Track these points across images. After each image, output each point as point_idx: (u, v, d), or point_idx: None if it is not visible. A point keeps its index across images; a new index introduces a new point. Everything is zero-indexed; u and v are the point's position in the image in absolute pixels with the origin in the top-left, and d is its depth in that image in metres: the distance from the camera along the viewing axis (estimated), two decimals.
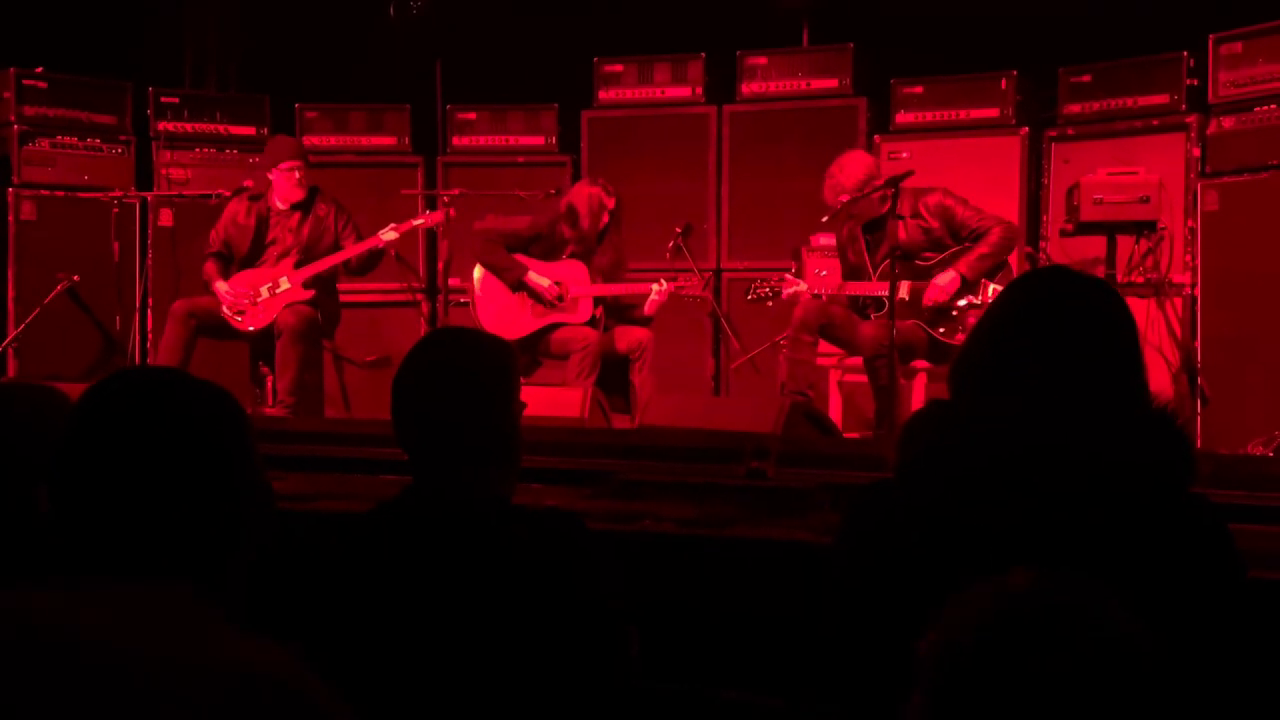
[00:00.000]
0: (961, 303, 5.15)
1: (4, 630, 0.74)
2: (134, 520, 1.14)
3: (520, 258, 5.78)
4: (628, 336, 5.69)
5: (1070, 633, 1.03)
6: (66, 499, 1.18)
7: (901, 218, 5.16)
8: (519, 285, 5.75)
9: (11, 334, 6.41)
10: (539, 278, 5.73)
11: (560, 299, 5.73)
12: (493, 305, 5.81)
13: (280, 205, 5.92)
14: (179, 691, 0.74)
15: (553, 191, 6.12)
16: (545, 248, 5.81)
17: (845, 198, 5.15)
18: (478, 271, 5.85)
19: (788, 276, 5.57)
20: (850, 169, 5.23)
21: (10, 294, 6.50)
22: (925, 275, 5.19)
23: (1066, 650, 1.02)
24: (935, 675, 1.05)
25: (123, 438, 1.21)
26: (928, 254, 5.22)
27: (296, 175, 5.85)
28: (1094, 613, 1.04)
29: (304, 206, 5.92)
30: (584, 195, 5.77)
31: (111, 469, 1.17)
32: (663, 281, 5.75)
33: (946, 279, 5.10)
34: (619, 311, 5.87)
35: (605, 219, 5.78)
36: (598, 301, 5.79)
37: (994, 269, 5.15)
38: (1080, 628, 1.03)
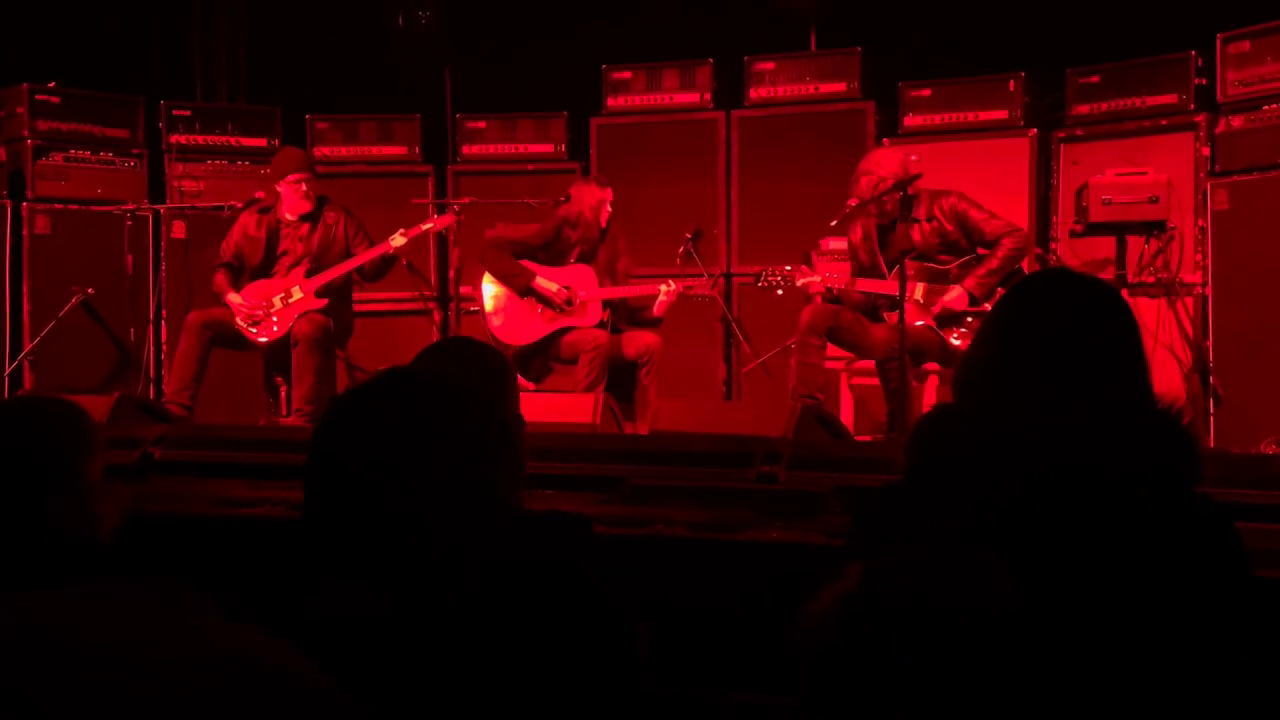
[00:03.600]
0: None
1: (8, 631, 0.78)
2: None
3: (527, 264, 5.81)
4: (636, 341, 5.71)
5: (917, 603, 1.03)
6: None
7: (917, 220, 5.17)
8: (527, 290, 5.77)
9: (27, 347, 6.46)
10: (547, 282, 5.76)
11: (570, 302, 5.75)
12: (502, 312, 5.84)
13: (289, 216, 5.96)
14: (181, 681, 0.78)
15: (562, 199, 6.16)
16: (552, 253, 5.84)
17: (890, 183, 5.11)
18: (486, 279, 5.88)
19: (802, 267, 5.57)
20: (885, 161, 5.25)
21: (25, 307, 6.55)
22: (941, 278, 5.19)
23: (911, 619, 1.02)
24: (801, 650, 1.05)
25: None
26: (943, 256, 5.22)
27: (303, 188, 5.89)
28: (950, 584, 1.04)
29: (313, 217, 5.95)
30: (584, 194, 5.83)
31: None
32: (670, 282, 5.78)
33: (954, 296, 5.11)
34: (629, 314, 5.89)
35: (607, 212, 5.83)
36: (606, 304, 5.81)
37: (1004, 282, 5.15)
38: (939, 595, 1.03)
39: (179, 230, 6.88)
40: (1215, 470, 1.66)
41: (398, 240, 5.86)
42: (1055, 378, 1.63)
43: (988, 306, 5.12)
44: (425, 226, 6.04)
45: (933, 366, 5.26)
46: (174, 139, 7.03)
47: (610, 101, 7.03)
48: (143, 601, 0.85)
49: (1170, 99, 5.91)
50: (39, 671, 0.74)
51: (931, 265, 5.21)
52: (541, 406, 4.43)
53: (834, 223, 5.36)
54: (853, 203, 5.22)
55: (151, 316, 6.74)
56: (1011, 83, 6.31)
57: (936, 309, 5.14)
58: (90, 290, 6.53)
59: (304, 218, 5.95)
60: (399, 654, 1.41)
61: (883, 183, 5.14)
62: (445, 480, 1.32)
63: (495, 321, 5.82)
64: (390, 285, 6.38)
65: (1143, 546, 1.53)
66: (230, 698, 0.78)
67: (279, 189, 5.96)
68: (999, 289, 5.13)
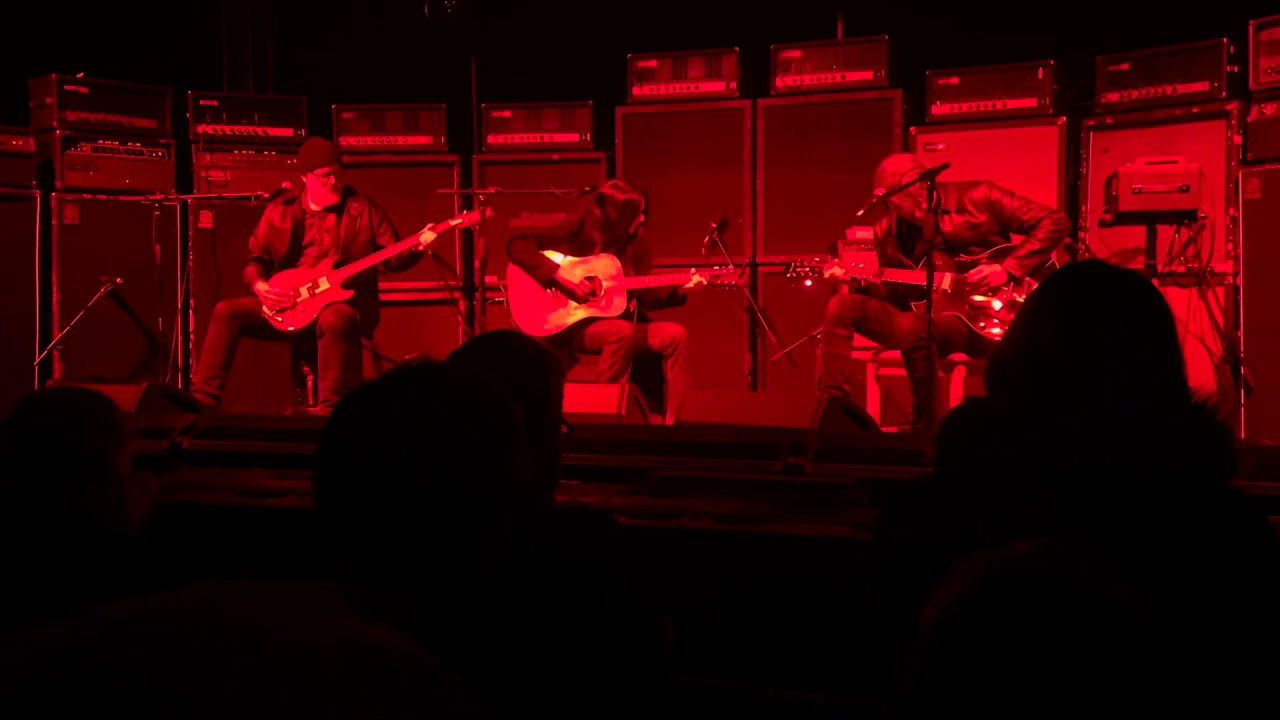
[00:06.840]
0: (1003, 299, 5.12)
1: (205, 617, 0.85)
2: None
3: (553, 253, 5.80)
4: (661, 333, 5.70)
5: (1055, 598, 1.03)
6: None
7: (947, 211, 5.14)
8: (550, 282, 5.76)
9: (56, 336, 6.50)
10: (570, 274, 5.75)
11: (592, 294, 5.74)
12: (526, 302, 5.83)
13: (315, 207, 5.98)
14: (327, 665, 0.84)
15: (587, 189, 6.14)
16: (577, 244, 5.83)
17: (915, 174, 5.08)
18: (510, 270, 5.88)
19: (829, 258, 5.55)
20: (897, 167, 5.22)
21: (55, 297, 6.60)
22: (969, 269, 5.16)
23: (1050, 615, 1.02)
24: (925, 641, 1.05)
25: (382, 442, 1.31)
26: (974, 248, 5.18)
27: (330, 180, 5.91)
28: (1082, 579, 1.04)
29: (338, 208, 5.97)
30: (619, 201, 5.77)
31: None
32: (697, 274, 5.75)
33: (992, 270, 5.08)
34: (655, 299, 5.87)
35: (640, 219, 5.80)
36: (631, 295, 5.80)
37: (1042, 265, 5.11)
38: (1065, 593, 1.03)
39: (206, 220, 6.92)
40: (1247, 463, 1.63)
41: (427, 235, 5.87)
42: (1089, 372, 1.61)
43: (1019, 297, 5.08)
44: (454, 222, 6.06)
45: (960, 357, 5.23)
46: (201, 129, 7.06)
47: (635, 90, 7.01)
48: (300, 595, 0.92)
49: (1202, 87, 5.83)
50: (230, 658, 0.81)
51: (961, 257, 5.18)
52: (566, 397, 4.41)
53: (861, 212, 5.32)
54: (879, 191, 5.19)
55: (179, 306, 6.78)
56: (1040, 70, 6.25)
57: (974, 273, 5.09)
58: (119, 280, 6.58)
59: (329, 209, 5.97)
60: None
61: (907, 174, 5.11)
62: (453, 475, 1.31)
63: (519, 312, 5.82)
64: (416, 275, 6.39)
65: (1177, 542, 1.51)
66: (379, 687, 0.84)
67: (305, 180, 5.98)
68: (1034, 276, 5.09)
